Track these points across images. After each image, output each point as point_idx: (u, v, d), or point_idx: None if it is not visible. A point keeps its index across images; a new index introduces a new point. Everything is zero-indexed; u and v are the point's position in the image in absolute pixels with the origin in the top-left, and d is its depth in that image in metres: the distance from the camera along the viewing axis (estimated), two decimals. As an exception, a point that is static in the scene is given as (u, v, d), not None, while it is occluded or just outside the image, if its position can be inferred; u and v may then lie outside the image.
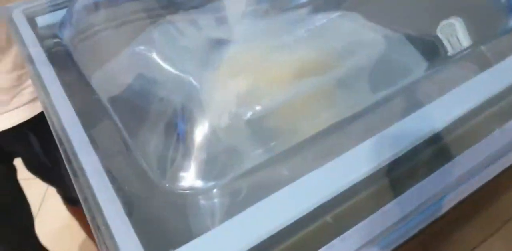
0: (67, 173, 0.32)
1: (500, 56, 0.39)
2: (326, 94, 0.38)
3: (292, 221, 0.28)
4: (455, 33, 0.42)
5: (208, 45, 0.40)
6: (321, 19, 0.42)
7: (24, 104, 0.67)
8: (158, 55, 0.37)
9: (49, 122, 0.37)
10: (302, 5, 0.43)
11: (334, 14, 0.42)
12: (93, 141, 0.34)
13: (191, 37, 0.41)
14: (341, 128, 0.36)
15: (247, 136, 0.34)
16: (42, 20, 0.49)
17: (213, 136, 0.33)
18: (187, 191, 0.31)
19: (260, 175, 0.33)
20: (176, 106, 0.34)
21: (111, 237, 0.27)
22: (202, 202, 0.31)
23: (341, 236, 0.28)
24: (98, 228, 0.28)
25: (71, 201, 0.87)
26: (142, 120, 0.35)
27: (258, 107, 0.35)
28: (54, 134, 0.36)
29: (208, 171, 0.32)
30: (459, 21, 0.42)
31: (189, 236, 0.27)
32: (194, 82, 0.36)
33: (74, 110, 0.37)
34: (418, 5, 0.43)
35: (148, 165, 0.32)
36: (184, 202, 0.31)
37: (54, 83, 0.39)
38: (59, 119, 0.36)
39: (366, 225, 0.28)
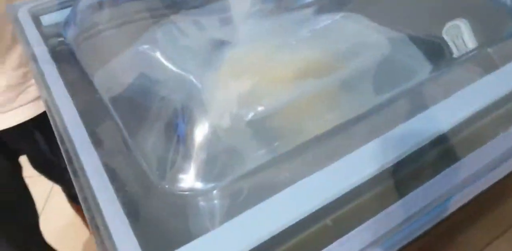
0: None
1: (506, 59, 0.38)
2: (329, 95, 0.38)
3: (293, 223, 0.28)
4: (460, 35, 0.42)
5: (210, 45, 0.40)
6: (325, 20, 0.41)
7: (29, 102, 0.68)
8: (161, 55, 0.37)
9: (51, 121, 0.37)
10: (306, 6, 0.43)
11: (338, 15, 0.41)
12: (94, 141, 0.34)
13: (194, 37, 0.41)
14: (343, 129, 0.36)
15: (248, 136, 0.34)
16: (47, 19, 0.50)
17: (213, 137, 0.33)
18: (187, 192, 0.31)
19: (261, 177, 0.33)
20: (176, 107, 0.34)
21: (110, 237, 0.27)
22: (201, 203, 0.31)
23: (345, 237, 0.27)
24: (97, 228, 0.28)
25: (76, 199, 0.86)
26: (142, 120, 0.35)
27: (259, 108, 0.34)
28: (55, 133, 0.36)
29: (208, 172, 0.32)
30: (464, 22, 0.42)
31: (188, 238, 0.27)
32: (196, 82, 0.36)
33: (77, 109, 0.37)
34: (423, 6, 0.43)
35: (148, 166, 0.32)
36: (183, 203, 0.31)
37: (57, 82, 0.39)
38: (61, 118, 0.36)
39: (369, 226, 0.28)
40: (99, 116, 0.37)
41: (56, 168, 0.77)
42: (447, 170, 0.30)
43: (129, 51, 0.39)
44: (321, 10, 0.43)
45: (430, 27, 0.43)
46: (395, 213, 0.28)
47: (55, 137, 0.36)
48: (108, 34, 0.41)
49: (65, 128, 0.35)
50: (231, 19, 0.44)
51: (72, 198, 0.90)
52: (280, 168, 0.33)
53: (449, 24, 0.43)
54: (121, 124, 0.35)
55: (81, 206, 0.30)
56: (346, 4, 0.44)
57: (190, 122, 0.33)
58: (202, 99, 0.35)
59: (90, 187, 0.31)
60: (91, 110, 0.38)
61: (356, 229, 0.28)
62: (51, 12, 0.50)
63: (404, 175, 0.31)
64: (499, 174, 0.34)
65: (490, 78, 0.37)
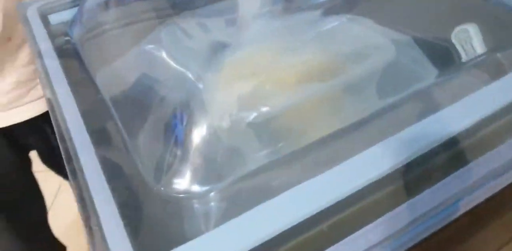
0: None
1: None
2: (331, 99, 0.38)
3: (290, 226, 0.27)
4: (469, 40, 0.41)
5: (214, 46, 0.40)
6: (331, 22, 0.41)
7: (39, 98, 0.69)
8: (163, 56, 0.37)
9: (52, 120, 0.37)
10: (312, 8, 0.43)
11: (344, 18, 0.41)
12: (94, 141, 0.34)
13: (198, 38, 0.41)
14: (345, 134, 0.35)
15: (247, 139, 0.34)
16: (55, 18, 0.50)
17: (211, 139, 0.33)
18: (182, 195, 0.31)
19: (259, 180, 0.33)
20: (176, 107, 0.33)
21: (103, 238, 0.27)
22: (197, 206, 0.31)
23: (349, 237, 0.27)
24: (90, 228, 0.28)
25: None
26: (141, 121, 0.35)
27: (260, 110, 0.34)
28: (56, 132, 0.36)
29: (204, 174, 0.32)
30: (473, 27, 0.41)
31: (182, 240, 0.27)
32: (197, 84, 0.36)
33: (79, 109, 0.37)
34: (431, 10, 0.42)
35: (144, 167, 0.32)
36: (179, 206, 0.31)
37: (61, 81, 0.40)
38: (63, 118, 0.36)
39: (373, 227, 0.28)
40: (100, 116, 0.37)
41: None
42: (455, 173, 0.30)
43: (132, 52, 0.39)
44: (327, 12, 0.42)
45: (439, 31, 0.42)
46: (400, 215, 0.28)
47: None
48: (112, 34, 0.42)
49: (66, 127, 0.35)
50: (237, 20, 0.44)
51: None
52: (278, 172, 0.33)
53: (458, 29, 0.42)
54: (120, 125, 0.35)
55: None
56: (353, 6, 0.44)
57: (188, 123, 0.33)
58: (202, 101, 0.35)
59: (87, 187, 0.31)
60: (93, 110, 0.38)
61: (359, 231, 0.27)
62: (59, 11, 0.51)
63: (410, 177, 0.31)
64: (509, 179, 0.34)
65: (500, 83, 0.36)
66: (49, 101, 0.38)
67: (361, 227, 0.28)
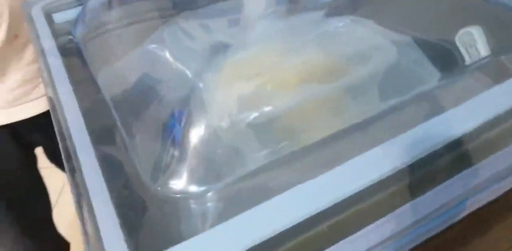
0: None
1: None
2: (332, 101, 0.38)
3: (288, 227, 0.27)
4: (473, 42, 0.41)
5: (216, 47, 0.40)
6: (333, 24, 0.41)
7: (43, 96, 0.69)
8: (163, 57, 0.37)
9: (52, 118, 0.37)
10: (314, 9, 0.42)
11: (347, 19, 0.41)
12: (94, 141, 0.34)
13: (200, 39, 0.41)
14: (344, 135, 0.35)
15: (246, 140, 0.34)
16: (60, 17, 0.50)
17: (209, 139, 0.33)
18: (179, 195, 0.31)
19: (257, 181, 0.33)
20: (174, 107, 0.34)
21: (99, 238, 0.28)
22: (194, 206, 0.31)
23: (350, 237, 0.27)
24: (84, 224, 0.28)
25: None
26: (140, 120, 0.35)
27: (260, 111, 0.34)
28: (56, 130, 0.36)
29: (201, 175, 0.32)
30: (477, 29, 0.40)
31: (178, 240, 0.27)
32: (197, 84, 0.36)
33: (80, 108, 0.37)
34: (436, 12, 0.42)
35: (142, 167, 0.32)
36: (176, 206, 0.31)
37: (63, 80, 0.40)
38: (64, 116, 0.37)
39: (374, 228, 0.28)
40: (100, 115, 0.38)
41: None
42: (457, 175, 0.30)
43: (133, 52, 0.39)
44: (330, 13, 0.42)
45: (442, 33, 0.42)
46: (402, 216, 0.28)
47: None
48: (114, 34, 0.42)
49: (67, 126, 0.36)
50: (240, 21, 0.44)
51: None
52: (277, 173, 0.33)
53: (462, 31, 0.41)
54: (120, 124, 0.36)
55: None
56: (357, 8, 0.44)
57: (186, 123, 0.33)
58: (202, 100, 0.35)
59: (84, 186, 0.31)
60: (94, 110, 0.38)
61: (360, 231, 0.27)
62: (64, 10, 0.51)
63: (412, 179, 0.31)
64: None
65: (504, 86, 0.36)
66: (50, 100, 0.39)
67: (361, 228, 0.27)
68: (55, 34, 0.47)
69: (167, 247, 0.26)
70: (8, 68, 0.63)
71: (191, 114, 0.33)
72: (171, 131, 0.33)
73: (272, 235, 0.27)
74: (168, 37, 0.39)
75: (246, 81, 0.37)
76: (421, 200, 0.29)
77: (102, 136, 0.35)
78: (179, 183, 0.31)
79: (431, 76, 0.40)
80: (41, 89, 0.68)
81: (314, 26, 0.41)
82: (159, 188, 0.31)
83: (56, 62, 0.42)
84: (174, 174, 0.31)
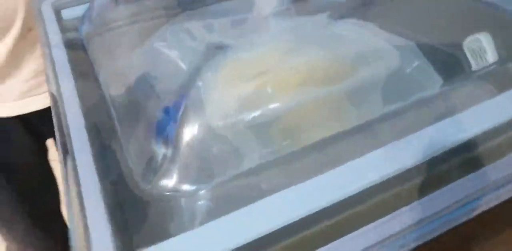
0: None
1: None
2: (332, 104, 0.37)
3: (279, 227, 0.27)
4: (481, 49, 0.40)
5: (217, 46, 0.40)
6: (336, 27, 0.40)
7: None
8: (167, 55, 0.38)
9: (53, 114, 0.38)
10: (318, 12, 0.42)
11: (350, 23, 0.40)
12: (91, 138, 0.35)
13: (202, 38, 0.41)
14: (342, 138, 0.35)
15: (242, 140, 0.34)
16: (68, 13, 0.51)
17: (204, 138, 0.33)
18: (170, 193, 0.31)
19: (250, 181, 0.33)
20: (169, 106, 0.34)
21: (87, 234, 0.28)
22: (185, 204, 0.31)
23: (349, 236, 0.27)
24: (73, 219, 0.29)
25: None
26: (136, 118, 0.35)
27: (257, 111, 0.34)
28: (56, 125, 0.37)
29: (194, 173, 0.32)
30: (485, 36, 0.40)
31: (167, 238, 0.27)
32: (196, 82, 0.36)
33: (80, 105, 0.38)
34: (444, 18, 0.41)
35: (135, 165, 0.33)
36: (167, 204, 0.31)
37: (66, 76, 0.41)
38: (64, 113, 0.37)
39: (375, 228, 0.28)
40: (100, 113, 0.38)
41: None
42: (460, 179, 0.30)
43: (136, 50, 0.39)
44: (334, 17, 0.42)
45: (448, 39, 0.41)
46: (404, 217, 0.28)
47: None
48: (118, 32, 0.42)
49: (66, 124, 0.36)
50: (244, 21, 0.44)
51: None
52: (271, 173, 0.33)
53: (470, 38, 0.41)
54: (117, 122, 0.36)
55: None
56: (361, 11, 0.43)
57: (181, 121, 0.33)
58: (198, 100, 0.35)
59: (77, 180, 0.31)
60: (94, 107, 0.38)
61: (359, 230, 0.27)
62: (72, 6, 0.52)
63: (414, 181, 0.31)
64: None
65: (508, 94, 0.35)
66: (52, 96, 0.39)
67: (357, 228, 0.27)
68: (63, 30, 0.47)
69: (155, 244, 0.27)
70: (23, 60, 0.65)
71: (187, 113, 0.33)
72: (164, 129, 0.33)
73: (262, 234, 0.27)
74: (170, 37, 0.40)
75: (245, 81, 0.37)
76: (420, 203, 0.29)
77: (99, 133, 0.36)
78: (170, 181, 0.31)
79: (434, 82, 0.39)
80: (53, 82, 0.70)
81: (316, 29, 0.40)
82: (150, 186, 0.31)
83: (61, 58, 0.42)
84: (165, 172, 0.32)
